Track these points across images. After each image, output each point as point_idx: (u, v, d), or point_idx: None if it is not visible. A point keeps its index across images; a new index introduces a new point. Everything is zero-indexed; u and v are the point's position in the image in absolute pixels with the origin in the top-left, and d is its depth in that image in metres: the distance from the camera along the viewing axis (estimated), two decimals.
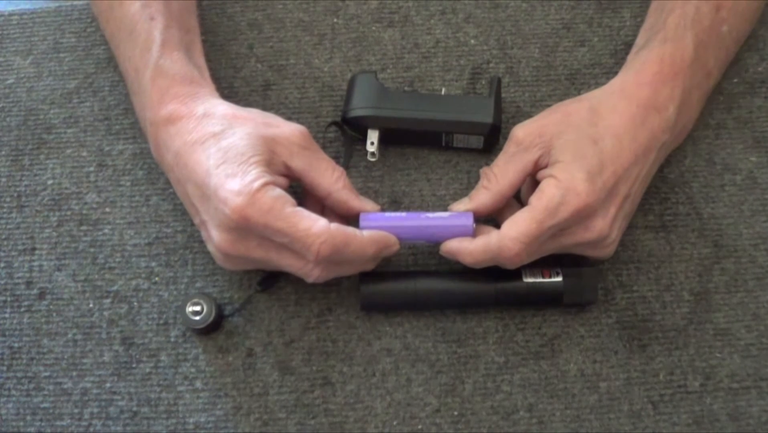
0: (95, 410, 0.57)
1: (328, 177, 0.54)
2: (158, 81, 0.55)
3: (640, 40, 0.60)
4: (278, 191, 0.51)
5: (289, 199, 0.51)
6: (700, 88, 0.58)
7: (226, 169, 0.51)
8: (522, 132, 0.55)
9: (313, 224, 0.51)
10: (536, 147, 0.54)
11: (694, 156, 0.62)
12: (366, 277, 0.57)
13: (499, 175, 0.55)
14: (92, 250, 0.60)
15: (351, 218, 0.56)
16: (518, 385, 0.57)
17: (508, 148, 0.55)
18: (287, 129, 0.54)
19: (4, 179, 0.62)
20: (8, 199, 0.62)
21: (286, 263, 0.53)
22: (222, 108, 0.54)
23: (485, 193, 0.55)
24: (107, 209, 0.61)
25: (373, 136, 0.60)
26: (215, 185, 0.51)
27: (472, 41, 0.66)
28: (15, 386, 0.57)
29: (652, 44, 0.57)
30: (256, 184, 0.50)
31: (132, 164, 0.62)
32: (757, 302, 0.58)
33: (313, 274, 0.53)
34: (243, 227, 0.51)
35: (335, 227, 0.51)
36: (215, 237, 0.52)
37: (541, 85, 0.64)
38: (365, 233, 0.53)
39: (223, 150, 0.52)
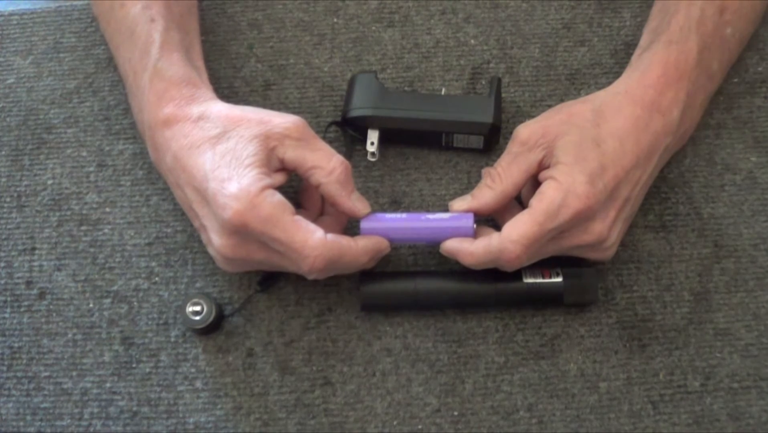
0: (95, 410, 0.57)
1: (321, 168, 0.53)
2: (156, 83, 0.55)
3: (643, 42, 0.59)
4: (277, 197, 0.51)
5: (288, 206, 0.51)
6: (704, 91, 0.58)
7: (223, 173, 0.51)
8: (526, 132, 0.55)
9: (310, 237, 0.51)
10: (540, 147, 0.54)
11: (694, 156, 0.62)
12: (366, 277, 0.57)
13: (503, 175, 0.55)
14: (92, 250, 0.60)
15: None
16: (518, 385, 0.57)
17: (512, 148, 0.55)
18: (280, 123, 0.53)
19: (4, 179, 0.62)
20: (8, 199, 0.62)
21: (287, 264, 0.53)
22: (216, 109, 0.54)
23: (489, 193, 0.55)
24: (107, 209, 0.61)
25: (373, 136, 0.60)
26: (213, 190, 0.51)
27: (472, 41, 0.66)
28: (15, 386, 0.57)
29: (656, 46, 0.57)
30: (254, 188, 0.50)
31: (132, 164, 0.62)
32: (757, 302, 0.58)
33: (310, 276, 0.53)
34: (242, 232, 0.51)
35: (331, 238, 0.51)
36: (215, 241, 0.52)
37: (541, 85, 0.64)
38: (359, 242, 0.53)
39: (220, 154, 0.52)
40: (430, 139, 0.61)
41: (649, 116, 0.54)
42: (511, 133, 0.56)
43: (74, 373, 0.58)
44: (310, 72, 0.65)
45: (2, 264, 0.60)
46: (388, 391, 0.57)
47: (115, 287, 0.59)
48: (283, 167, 0.54)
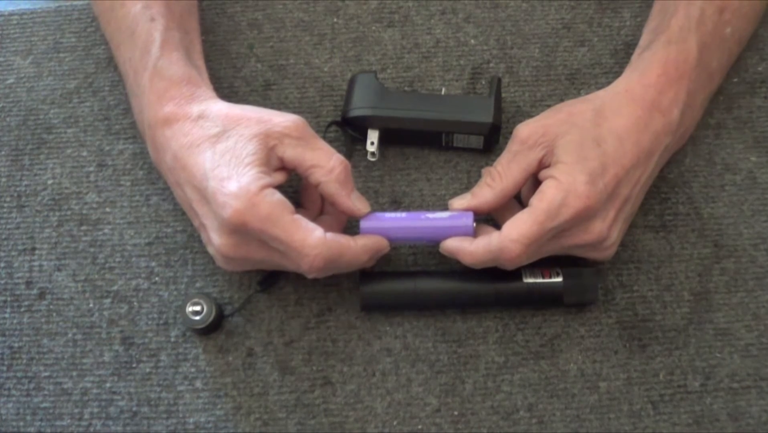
0: (95, 410, 0.57)
1: (321, 167, 0.53)
2: (156, 82, 0.55)
3: (643, 42, 0.59)
4: (277, 196, 0.51)
5: (288, 205, 0.51)
6: (704, 90, 0.58)
7: (223, 171, 0.51)
8: (526, 131, 0.55)
9: (309, 235, 0.51)
10: (540, 146, 0.54)
11: (694, 156, 0.62)
12: (366, 277, 0.57)
13: (503, 174, 0.55)
14: (92, 250, 0.60)
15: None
16: (518, 385, 0.57)
17: (512, 147, 0.55)
18: (280, 122, 0.53)
19: (4, 179, 0.62)
20: (8, 199, 0.62)
21: (287, 263, 0.53)
22: (216, 108, 0.54)
23: (488, 191, 0.55)
24: (107, 209, 0.61)
25: (373, 136, 0.60)
26: (213, 189, 0.51)
27: (472, 41, 0.66)
28: (15, 386, 0.57)
29: (656, 46, 0.57)
30: (254, 187, 0.50)
31: (132, 164, 0.62)
32: (757, 302, 0.58)
33: (309, 275, 0.53)
34: (242, 231, 0.51)
35: (330, 237, 0.51)
36: (215, 240, 0.52)
37: (541, 85, 0.64)
38: (359, 241, 0.53)
39: (219, 153, 0.52)
40: (430, 139, 0.61)
41: (650, 116, 0.54)
42: (511, 133, 0.56)
43: (74, 373, 0.58)
44: (310, 72, 0.65)
45: (2, 264, 0.60)
46: (388, 391, 0.57)
47: (115, 287, 0.59)
48: (283, 166, 0.54)
